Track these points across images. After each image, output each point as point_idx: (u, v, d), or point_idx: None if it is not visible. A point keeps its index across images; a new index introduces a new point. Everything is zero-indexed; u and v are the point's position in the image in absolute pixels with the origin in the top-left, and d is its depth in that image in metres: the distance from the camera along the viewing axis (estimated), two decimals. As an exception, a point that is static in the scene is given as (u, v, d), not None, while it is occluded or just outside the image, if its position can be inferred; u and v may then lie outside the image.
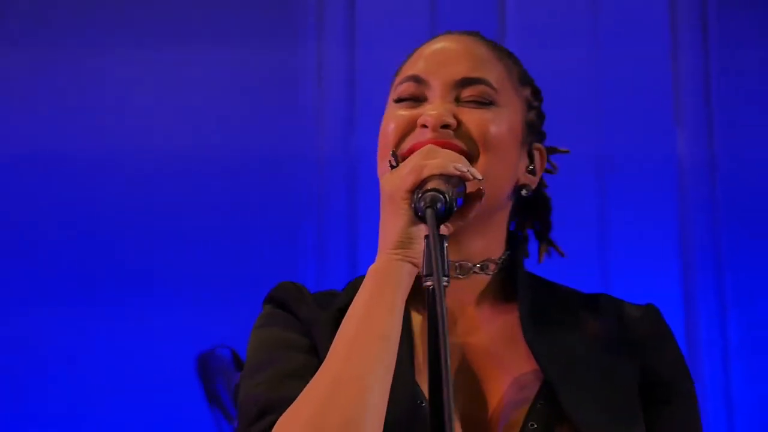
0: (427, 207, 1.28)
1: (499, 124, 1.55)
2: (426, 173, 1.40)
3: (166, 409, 3.33)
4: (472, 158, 1.51)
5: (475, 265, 1.57)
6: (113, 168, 3.60)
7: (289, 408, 1.39)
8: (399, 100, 1.58)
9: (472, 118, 1.54)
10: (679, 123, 3.54)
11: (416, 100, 1.57)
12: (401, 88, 1.58)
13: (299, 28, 3.74)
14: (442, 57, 1.59)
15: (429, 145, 1.49)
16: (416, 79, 1.57)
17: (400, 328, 1.42)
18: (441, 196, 1.32)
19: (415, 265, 1.43)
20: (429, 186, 1.37)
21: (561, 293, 1.63)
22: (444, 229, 1.42)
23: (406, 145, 1.54)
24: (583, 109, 3.50)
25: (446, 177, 1.40)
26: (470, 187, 1.46)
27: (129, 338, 3.39)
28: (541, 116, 1.68)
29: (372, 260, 1.47)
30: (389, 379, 1.38)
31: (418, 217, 1.38)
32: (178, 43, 3.74)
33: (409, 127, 1.55)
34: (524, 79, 1.65)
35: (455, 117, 1.53)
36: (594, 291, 1.66)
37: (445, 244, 1.32)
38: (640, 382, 1.53)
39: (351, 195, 3.60)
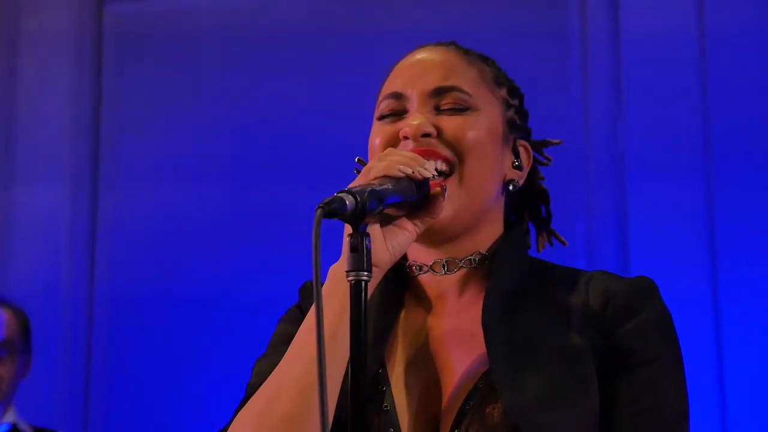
0: (318, 207, 1.29)
1: (478, 127, 1.60)
2: (372, 175, 1.46)
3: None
4: (455, 163, 1.57)
5: (462, 261, 1.61)
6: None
7: (247, 402, 1.51)
8: (381, 117, 1.64)
9: (450, 125, 1.59)
10: None
11: (397, 114, 1.62)
12: (382, 105, 1.64)
13: (565, 25, 3.81)
14: (416, 70, 1.64)
15: (389, 149, 1.55)
16: (395, 96, 1.63)
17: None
18: (348, 196, 1.33)
19: None
20: (371, 187, 1.40)
21: (552, 276, 1.64)
22: (411, 227, 1.50)
23: None
24: None
25: (394, 178, 1.45)
26: (433, 186, 1.51)
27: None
28: (521, 113, 1.72)
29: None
30: (336, 377, 1.45)
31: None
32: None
33: (393, 140, 1.60)
34: (499, 80, 1.69)
35: (435, 126, 1.58)
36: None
37: (366, 240, 1.34)
38: (605, 357, 1.53)
39: (620, 188, 3.77)
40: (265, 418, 1.45)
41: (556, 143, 1.81)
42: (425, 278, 1.63)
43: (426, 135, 1.57)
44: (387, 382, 1.55)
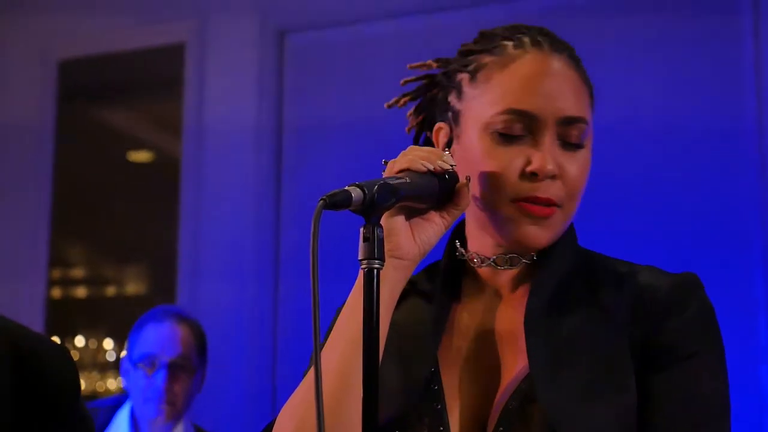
0: (320, 199, 1.35)
1: (587, 167, 1.59)
2: (396, 169, 1.49)
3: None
4: (558, 205, 1.56)
5: (525, 256, 1.61)
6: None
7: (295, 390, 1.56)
8: (504, 135, 1.56)
9: (570, 168, 1.56)
10: None
11: (520, 136, 1.55)
12: (507, 119, 1.55)
13: (737, 28, 3.82)
14: (549, 90, 1.56)
15: (412, 146, 1.56)
16: (526, 115, 1.55)
17: (387, 318, 1.51)
18: (356, 189, 1.37)
19: (395, 256, 1.51)
20: (384, 180, 1.43)
21: (598, 271, 1.62)
22: (439, 220, 1.53)
23: (522, 192, 1.55)
24: None
25: (416, 172, 1.48)
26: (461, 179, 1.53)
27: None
28: None
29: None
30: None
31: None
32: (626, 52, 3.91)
33: (512, 170, 1.55)
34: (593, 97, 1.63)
35: (557, 164, 1.55)
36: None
37: (376, 231, 1.38)
38: (645, 353, 1.52)
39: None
40: (309, 404, 1.47)
41: None
42: (484, 271, 1.64)
43: (551, 176, 1.54)
44: (439, 380, 1.57)
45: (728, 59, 3.82)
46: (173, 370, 3.25)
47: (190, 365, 3.29)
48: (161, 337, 3.28)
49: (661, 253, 3.60)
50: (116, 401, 3.40)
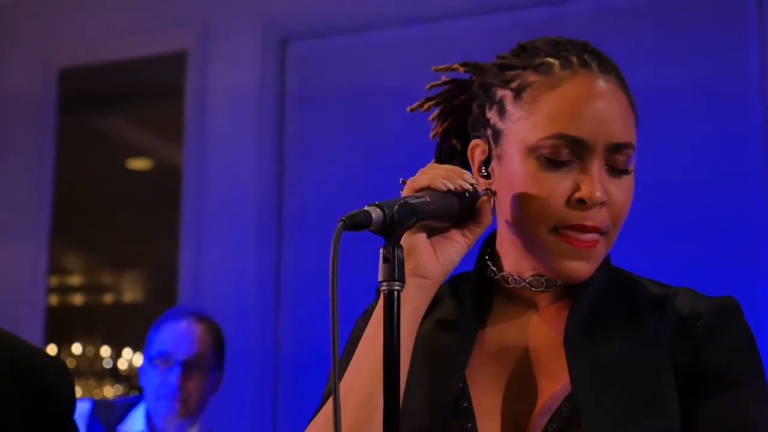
0: (340, 220, 1.30)
1: (631, 193, 1.53)
2: (416, 187, 1.45)
3: None
4: (604, 233, 1.51)
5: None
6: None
7: (314, 418, 1.51)
8: (550, 161, 1.50)
9: (617, 195, 1.51)
10: None
11: (567, 161, 1.49)
12: (553, 144, 1.49)
13: (742, 44, 3.81)
14: (599, 115, 1.50)
15: (432, 163, 1.53)
16: (576, 141, 1.49)
17: (411, 339, 1.47)
18: (376, 209, 1.33)
19: (418, 275, 1.46)
20: (404, 199, 1.40)
21: (635, 292, 1.58)
22: (461, 239, 1.48)
23: (569, 219, 1.49)
24: None
25: (437, 191, 1.44)
26: (481, 196, 1.49)
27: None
28: None
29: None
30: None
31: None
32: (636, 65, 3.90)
33: (559, 197, 1.49)
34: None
35: (605, 190, 1.50)
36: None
37: (396, 251, 1.34)
38: (688, 377, 1.48)
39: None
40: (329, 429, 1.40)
41: None
42: (519, 291, 1.58)
43: (600, 203, 1.50)
44: (468, 397, 1.52)
45: (733, 63, 3.81)
46: (187, 368, 3.23)
47: (205, 364, 3.27)
48: (177, 335, 3.26)
49: (663, 259, 3.59)
50: (134, 399, 3.39)
